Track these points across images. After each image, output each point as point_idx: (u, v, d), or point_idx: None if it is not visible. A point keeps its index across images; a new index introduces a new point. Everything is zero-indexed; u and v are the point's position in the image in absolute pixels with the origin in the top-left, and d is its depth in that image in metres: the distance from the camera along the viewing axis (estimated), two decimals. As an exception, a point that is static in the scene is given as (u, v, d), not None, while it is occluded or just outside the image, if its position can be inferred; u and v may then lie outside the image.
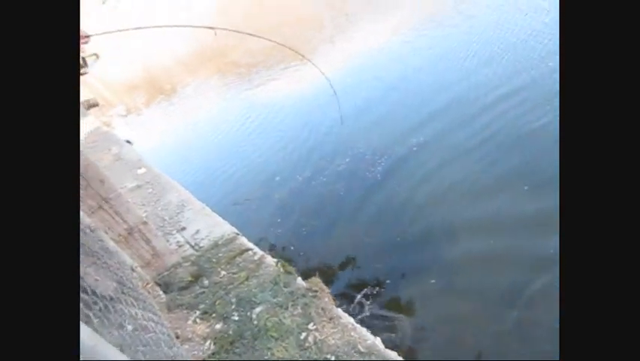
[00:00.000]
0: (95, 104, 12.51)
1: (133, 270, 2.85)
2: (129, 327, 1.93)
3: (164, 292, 2.97)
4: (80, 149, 2.80)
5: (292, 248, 4.59)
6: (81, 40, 1.78)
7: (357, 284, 3.52)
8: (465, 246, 3.79)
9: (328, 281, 3.27)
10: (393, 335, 2.90)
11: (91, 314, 1.50)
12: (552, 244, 3.20)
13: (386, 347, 2.16)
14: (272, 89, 10.32)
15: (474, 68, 6.89)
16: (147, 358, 1.73)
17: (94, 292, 1.69)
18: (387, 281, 3.62)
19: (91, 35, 1.89)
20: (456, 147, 5.21)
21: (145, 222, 2.99)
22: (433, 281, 3.59)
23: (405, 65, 8.13)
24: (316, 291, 2.54)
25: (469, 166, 4.79)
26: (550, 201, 3.39)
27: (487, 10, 9.06)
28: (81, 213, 2.73)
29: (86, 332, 1.14)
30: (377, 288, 3.53)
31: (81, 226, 2.51)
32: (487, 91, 6.08)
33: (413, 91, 7.08)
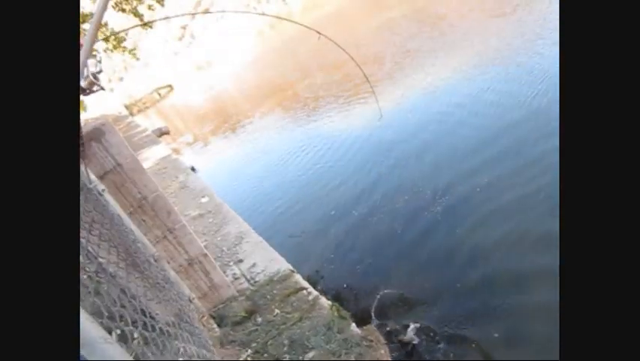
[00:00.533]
0: (167, 132, 13.41)
1: (191, 301, 2.90)
2: (182, 361, 1.93)
3: (218, 325, 2.99)
4: (151, 177, 2.96)
5: (345, 286, 4.48)
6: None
7: (414, 332, 3.33)
8: (529, 295, 3.50)
9: (383, 327, 3.14)
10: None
11: (149, 353, 1.52)
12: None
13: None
14: (331, 123, 10.48)
15: (535, 107, 6.56)
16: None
17: (153, 328, 1.72)
18: (447, 330, 3.39)
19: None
20: (520, 187, 4.91)
21: (205, 255, 3.05)
22: (496, 335, 3.33)
23: (466, 102, 7.94)
24: (371, 340, 2.42)
25: (534, 209, 4.48)
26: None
27: (554, 47, 8.69)
28: (147, 242, 2.85)
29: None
30: (436, 337, 3.31)
31: (146, 256, 2.61)
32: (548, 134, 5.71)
33: (475, 129, 6.84)
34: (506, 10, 12.32)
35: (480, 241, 4.38)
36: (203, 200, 5.65)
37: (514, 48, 9.42)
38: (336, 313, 2.69)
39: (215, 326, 3.01)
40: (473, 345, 3.23)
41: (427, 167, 6.35)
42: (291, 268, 3.47)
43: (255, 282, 3.42)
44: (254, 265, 3.69)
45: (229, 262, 3.88)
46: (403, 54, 12.93)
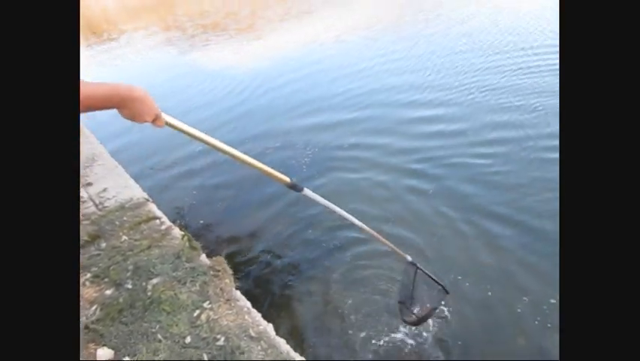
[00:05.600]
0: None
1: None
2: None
3: (55, 248, 2.77)
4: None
5: (201, 222, 4.49)
6: None
7: (262, 269, 3.55)
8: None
9: (233, 262, 3.27)
10: (287, 323, 2.98)
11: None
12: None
13: (277, 335, 2.23)
14: (213, 55, 9.94)
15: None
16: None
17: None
18: (294, 273, 3.66)
19: None
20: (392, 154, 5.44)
21: (45, 171, 2.75)
22: (335, 275, 3.71)
23: (350, 63, 8.30)
24: (218, 270, 2.53)
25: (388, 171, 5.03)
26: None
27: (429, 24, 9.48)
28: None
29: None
30: (283, 276, 3.58)
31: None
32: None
33: (362, 89, 7.24)
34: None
35: (343, 198, 4.71)
36: (51, 113, 4.96)
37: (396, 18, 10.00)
38: (187, 244, 2.73)
39: (51, 248, 2.79)
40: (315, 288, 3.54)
41: (301, 118, 6.56)
42: (146, 196, 3.35)
43: (104, 207, 3.23)
44: (105, 189, 3.45)
45: (76, 183, 3.56)
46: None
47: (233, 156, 1.49)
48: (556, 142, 4.94)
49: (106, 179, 3.62)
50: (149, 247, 2.72)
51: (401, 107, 6.46)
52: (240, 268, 3.40)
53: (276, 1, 13.47)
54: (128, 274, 2.54)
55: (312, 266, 3.76)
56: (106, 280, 2.51)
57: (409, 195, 4.50)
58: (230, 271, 2.58)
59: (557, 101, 5.83)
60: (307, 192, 1.86)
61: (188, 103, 7.60)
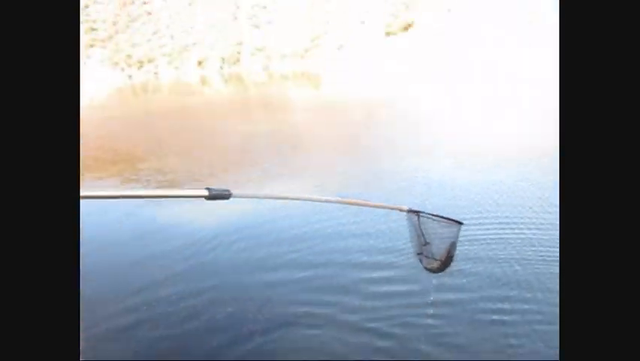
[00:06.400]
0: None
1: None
2: None
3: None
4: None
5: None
6: None
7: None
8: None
9: None
10: None
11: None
12: None
13: None
14: (167, 211, 10.25)
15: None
16: None
17: None
18: None
19: None
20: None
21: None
22: None
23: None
24: None
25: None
26: None
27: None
28: None
29: None
30: None
31: None
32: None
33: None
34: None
35: (292, 349, 4.69)
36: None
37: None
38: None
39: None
40: None
41: (256, 274, 6.65)
42: None
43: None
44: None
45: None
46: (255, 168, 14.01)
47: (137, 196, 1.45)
48: (497, 305, 5.36)
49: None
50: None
51: (351, 268, 6.79)
52: None
53: (234, 166, 14.75)
54: None
55: None
56: None
57: (367, 352, 4.61)
58: None
59: (493, 267, 6.34)
60: (237, 193, 1.63)
61: (136, 255, 7.55)
